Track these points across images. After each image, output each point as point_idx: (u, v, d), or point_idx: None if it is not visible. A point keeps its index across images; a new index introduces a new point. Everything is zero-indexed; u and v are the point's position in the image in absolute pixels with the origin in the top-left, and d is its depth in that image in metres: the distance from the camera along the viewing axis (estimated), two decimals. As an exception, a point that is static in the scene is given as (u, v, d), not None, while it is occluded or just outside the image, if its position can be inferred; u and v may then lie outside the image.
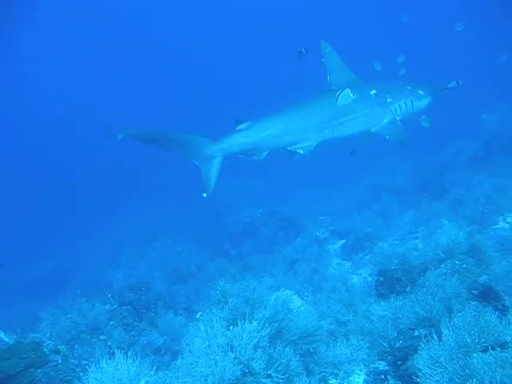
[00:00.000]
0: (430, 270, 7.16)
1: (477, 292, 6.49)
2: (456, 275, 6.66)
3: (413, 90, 10.21)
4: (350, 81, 10.02)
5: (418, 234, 12.99)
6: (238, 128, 9.59)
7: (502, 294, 6.66)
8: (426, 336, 5.72)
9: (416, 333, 6.22)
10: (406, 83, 10.54)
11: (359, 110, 9.86)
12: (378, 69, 13.79)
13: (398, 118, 10.03)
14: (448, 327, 5.18)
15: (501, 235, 9.78)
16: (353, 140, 10.57)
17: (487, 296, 6.48)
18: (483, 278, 6.60)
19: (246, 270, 14.37)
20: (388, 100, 9.90)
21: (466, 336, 4.96)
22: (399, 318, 6.44)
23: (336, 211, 18.09)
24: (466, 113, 18.69)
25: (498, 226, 11.63)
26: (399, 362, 6.03)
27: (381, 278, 7.91)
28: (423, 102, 10.24)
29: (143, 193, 29.03)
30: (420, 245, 11.84)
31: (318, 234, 15.71)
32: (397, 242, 13.38)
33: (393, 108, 9.97)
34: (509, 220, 11.81)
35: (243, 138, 9.63)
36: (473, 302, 6.39)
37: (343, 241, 14.71)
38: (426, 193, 15.79)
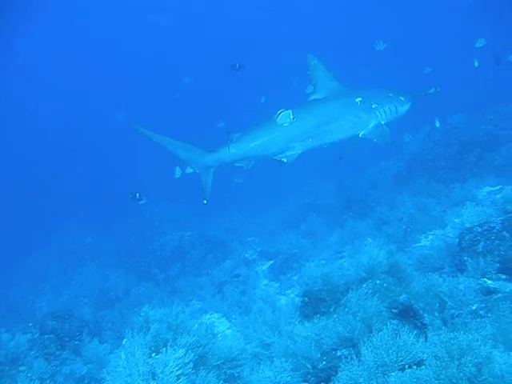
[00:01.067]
0: (353, 289, 7.25)
1: (397, 311, 6.60)
2: (377, 294, 6.75)
3: (395, 96, 10.84)
4: (335, 90, 10.66)
5: (344, 254, 13.14)
6: (229, 140, 10.05)
7: (422, 311, 6.80)
8: (346, 356, 5.77)
9: (338, 353, 6.27)
10: (388, 90, 11.13)
11: (344, 117, 10.42)
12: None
13: (382, 123, 10.59)
14: (367, 347, 5.24)
15: (421, 253, 10.04)
16: (339, 146, 11.13)
17: (407, 314, 6.61)
18: (403, 297, 6.72)
19: (174, 294, 14.21)
20: (373, 106, 10.47)
21: (385, 355, 5.03)
22: (322, 338, 6.46)
23: (264, 232, 18.19)
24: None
25: (420, 244, 11.94)
26: (322, 384, 6.05)
27: (305, 299, 7.94)
28: (405, 108, 10.90)
29: (73, 216, 28.16)
30: (346, 264, 11.98)
31: (246, 255, 15.75)
32: (324, 261, 13.50)
33: (378, 113, 10.53)
34: (430, 237, 12.16)
35: (234, 149, 10.12)
36: (393, 321, 6.50)
37: (271, 262, 14.78)
38: (352, 212, 16.06)
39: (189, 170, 10.71)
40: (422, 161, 15.80)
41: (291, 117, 9.10)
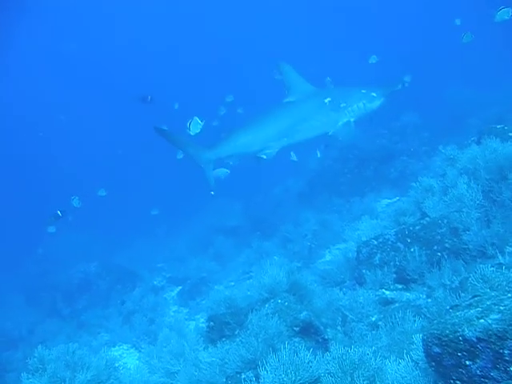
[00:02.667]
0: (256, 310, 7.26)
1: (298, 328, 6.68)
2: (278, 314, 6.79)
3: (366, 93, 11.55)
4: (307, 92, 11.46)
5: (252, 274, 13.21)
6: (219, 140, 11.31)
7: (322, 327, 6.92)
8: (251, 379, 5.75)
9: (243, 376, 6.24)
10: (360, 87, 11.82)
11: (313, 117, 11.29)
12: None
13: (352, 120, 11.36)
14: (266, 369, 5.24)
15: (324, 269, 10.22)
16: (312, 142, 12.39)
17: (308, 331, 6.70)
18: (303, 314, 6.80)
19: (82, 328, 13.78)
20: (342, 105, 11.18)
21: (283, 375, 5.04)
22: (226, 362, 6.42)
23: (173, 257, 17.98)
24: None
25: (324, 260, 12.20)
26: (227, 409, 6.00)
27: (211, 324, 7.88)
28: (376, 104, 11.63)
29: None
30: (257, 283, 12.05)
31: (155, 282, 15.53)
32: (232, 283, 13.54)
33: (346, 112, 11.29)
34: (334, 252, 12.43)
35: (226, 146, 11.28)
36: (295, 339, 6.57)
37: (180, 287, 14.63)
38: (259, 231, 16.22)
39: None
40: (322, 177, 16.22)
41: (201, 123, 9.91)
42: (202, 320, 11.85)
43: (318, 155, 15.58)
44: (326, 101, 11.30)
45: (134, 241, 21.65)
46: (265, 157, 11.36)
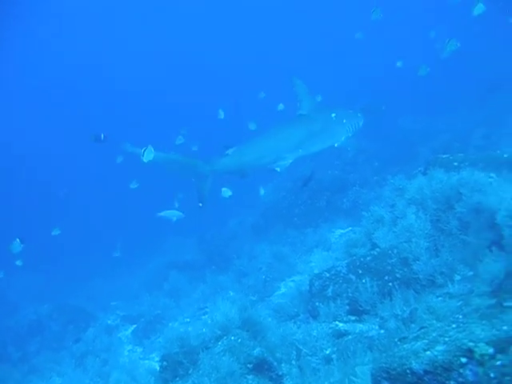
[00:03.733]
0: (209, 348, 7.17)
1: (251, 365, 6.60)
2: (231, 351, 6.71)
3: (354, 113, 12.60)
4: (314, 107, 12.11)
5: (207, 310, 13.05)
6: (226, 153, 11.40)
7: (276, 363, 6.86)
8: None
9: (196, 418, 6.12)
10: (347, 108, 12.95)
11: (325, 131, 11.96)
12: None
13: (350, 135, 12.23)
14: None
15: (278, 302, 10.17)
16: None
17: (261, 368, 6.63)
18: (257, 351, 6.74)
19: (32, 373, 13.32)
20: (344, 121, 12.03)
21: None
22: (179, 404, 6.29)
23: (128, 295, 17.65)
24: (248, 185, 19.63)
25: (279, 293, 12.14)
26: None
27: (164, 363, 7.76)
28: (361, 122, 12.57)
29: None
30: (209, 321, 11.91)
31: (108, 321, 15.19)
32: (188, 319, 13.34)
33: (347, 127, 12.13)
34: (288, 285, 12.40)
35: (229, 161, 11.50)
36: (249, 377, 6.49)
37: (134, 326, 14.33)
38: (215, 266, 16.12)
39: None
40: (276, 209, 16.24)
41: (153, 152, 10.40)
42: (157, 359, 11.61)
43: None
44: (333, 116, 12.17)
45: (88, 280, 21.18)
46: (278, 169, 11.88)
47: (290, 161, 11.85)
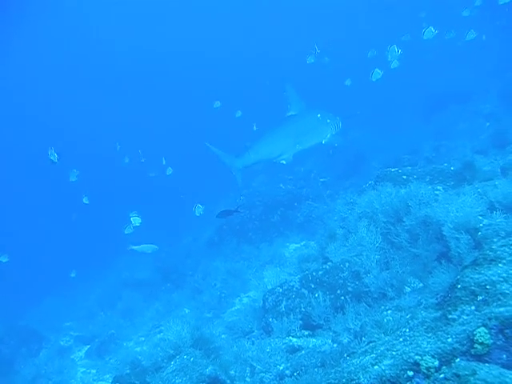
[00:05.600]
0: (161, 368, 7.07)
1: (204, 384, 6.52)
2: (184, 371, 6.64)
3: (334, 115, 13.40)
4: (302, 108, 13.00)
5: (162, 328, 12.88)
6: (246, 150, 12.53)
7: (229, 381, 6.80)
8: None
9: None
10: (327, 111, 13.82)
11: (314, 128, 12.98)
12: None
13: (333, 133, 13.09)
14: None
15: (231, 320, 10.12)
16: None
17: (214, 387, 6.55)
18: (209, 369, 6.68)
19: (-21, 403, 12.83)
20: (328, 121, 13.00)
21: None
22: (130, 427, 6.16)
23: (81, 315, 17.23)
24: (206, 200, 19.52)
25: (234, 308, 12.08)
26: None
27: (116, 385, 7.61)
28: (340, 124, 13.28)
29: None
30: (161, 341, 11.77)
31: (61, 343, 14.82)
32: (143, 338, 13.15)
33: (331, 126, 13.01)
34: (243, 301, 12.36)
35: (251, 157, 12.47)
36: (201, 396, 6.41)
37: (88, 346, 14.00)
38: (170, 283, 15.95)
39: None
40: (230, 225, 16.19)
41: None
42: (111, 381, 11.39)
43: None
44: (319, 116, 13.17)
45: (41, 299, 20.64)
46: (284, 162, 12.80)
47: (292, 154, 12.87)
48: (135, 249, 12.22)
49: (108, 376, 11.93)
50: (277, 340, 7.87)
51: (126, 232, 12.34)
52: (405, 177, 9.61)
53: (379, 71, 13.18)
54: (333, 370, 4.51)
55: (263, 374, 7.17)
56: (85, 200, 14.62)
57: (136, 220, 12.46)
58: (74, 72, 47.77)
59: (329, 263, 8.61)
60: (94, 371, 12.74)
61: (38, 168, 35.69)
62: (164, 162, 15.98)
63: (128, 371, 7.50)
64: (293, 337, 7.94)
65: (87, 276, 21.19)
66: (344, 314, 7.63)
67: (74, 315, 17.70)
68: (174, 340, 7.35)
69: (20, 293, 21.68)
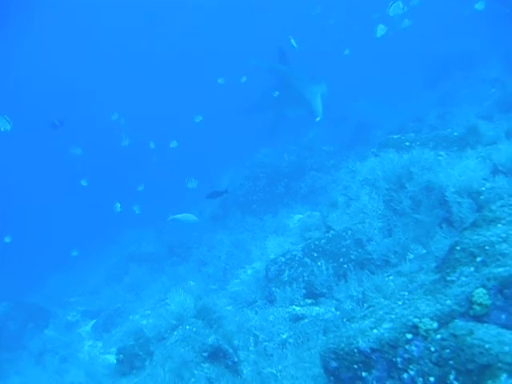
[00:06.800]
0: (164, 339, 7.08)
1: (207, 354, 6.52)
2: (186, 341, 6.63)
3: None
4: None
5: (168, 301, 12.89)
6: None
7: (232, 350, 6.79)
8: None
9: (151, 410, 6.02)
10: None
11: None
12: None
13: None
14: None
15: (235, 290, 10.10)
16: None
17: (217, 356, 6.55)
18: (211, 339, 6.65)
19: (-10, 373, 12.95)
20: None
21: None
22: (134, 397, 6.18)
23: (87, 290, 17.36)
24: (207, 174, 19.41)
25: (238, 280, 12.06)
26: None
27: (121, 356, 7.62)
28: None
29: None
30: (164, 312, 11.81)
31: (68, 318, 14.91)
32: (149, 311, 13.19)
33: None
34: (248, 272, 12.34)
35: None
36: (204, 365, 6.40)
37: (95, 320, 14.10)
38: (176, 257, 15.98)
39: None
40: (234, 197, 16.13)
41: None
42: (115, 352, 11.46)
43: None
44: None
45: (46, 274, 20.78)
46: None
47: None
48: (176, 217, 12.06)
49: (114, 349, 12.00)
50: (280, 309, 7.84)
51: (189, 186, 12.41)
52: (408, 143, 9.47)
53: (383, 27, 12.68)
54: (332, 335, 4.47)
55: (266, 343, 7.16)
56: (83, 182, 14.76)
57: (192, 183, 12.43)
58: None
59: (331, 231, 8.56)
60: (100, 344, 12.84)
61: (40, 147, 35.78)
62: (174, 144, 16.01)
63: (132, 342, 7.50)
64: (296, 305, 7.92)
65: (90, 253, 21.31)
66: (347, 281, 7.58)
67: (80, 291, 17.84)
68: (177, 310, 7.34)
69: (24, 272, 21.78)
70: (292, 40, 12.81)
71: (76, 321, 14.73)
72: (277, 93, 16.78)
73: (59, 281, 19.70)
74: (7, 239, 14.98)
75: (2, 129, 10.22)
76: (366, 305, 5.72)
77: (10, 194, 33.57)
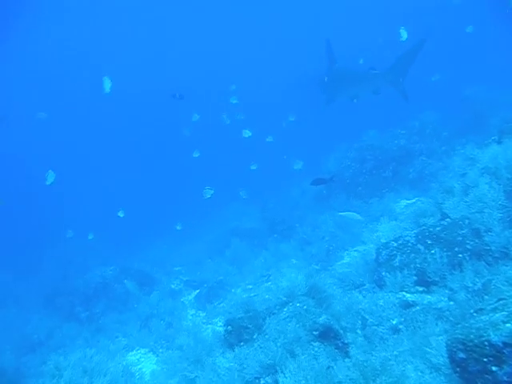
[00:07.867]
0: (274, 314, 7.17)
1: (317, 333, 6.54)
2: (297, 318, 6.69)
3: None
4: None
5: (270, 277, 13.06)
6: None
7: (342, 331, 6.78)
8: (269, 384, 5.65)
9: (262, 381, 6.14)
10: None
11: None
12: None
13: None
14: (285, 374, 5.13)
15: (342, 271, 10.04)
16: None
17: (327, 336, 6.56)
18: (323, 318, 6.68)
19: (99, 332, 13.66)
20: None
21: (303, 381, 4.93)
22: (245, 368, 6.33)
23: (190, 261, 17.83)
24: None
25: (343, 262, 11.99)
26: (246, 415, 5.90)
27: (229, 328, 7.78)
28: None
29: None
30: (274, 287, 11.93)
31: (172, 286, 15.43)
32: (250, 286, 13.38)
33: None
34: (353, 254, 12.25)
35: None
36: (314, 343, 6.43)
37: (197, 291, 14.50)
38: (277, 234, 16.08)
39: None
40: (340, 178, 15.98)
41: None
42: (220, 324, 11.71)
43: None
44: None
45: (151, 244, 21.61)
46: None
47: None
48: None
49: (217, 320, 12.30)
50: (390, 294, 7.74)
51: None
52: (534, 132, 9.03)
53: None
54: (459, 326, 4.35)
55: (376, 327, 7.10)
56: (195, 154, 15.36)
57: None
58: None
59: (447, 219, 8.31)
60: (203, 314, 13.20)
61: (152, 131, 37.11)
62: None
63: (241, 315, 7.65)
64: (406, 292, 7.79)
65: (194, 226, 21.87)
66: (462, 271, 7.35)
67: (183, 261, 18.37)
68: (288, 287, 7.41)
69: (132, 241, 22.72)
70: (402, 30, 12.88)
71: (179, 289, 15.22)
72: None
73: (164, 251, 20.42)
74: (121, 214, 15.72)
75: (107, 89, 10.69)
76: (487, 297, 5.53)
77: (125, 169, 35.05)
